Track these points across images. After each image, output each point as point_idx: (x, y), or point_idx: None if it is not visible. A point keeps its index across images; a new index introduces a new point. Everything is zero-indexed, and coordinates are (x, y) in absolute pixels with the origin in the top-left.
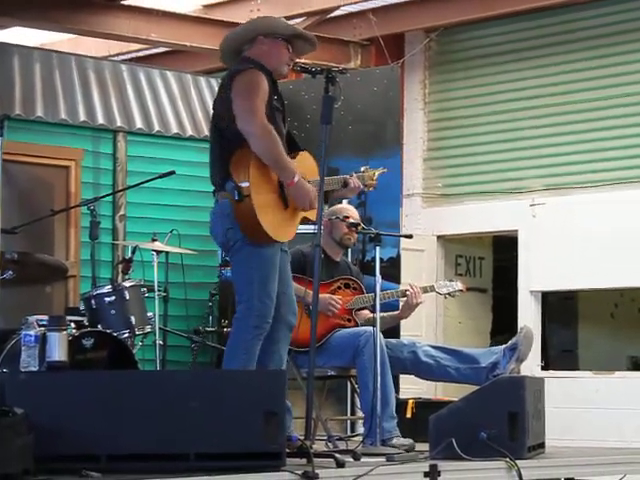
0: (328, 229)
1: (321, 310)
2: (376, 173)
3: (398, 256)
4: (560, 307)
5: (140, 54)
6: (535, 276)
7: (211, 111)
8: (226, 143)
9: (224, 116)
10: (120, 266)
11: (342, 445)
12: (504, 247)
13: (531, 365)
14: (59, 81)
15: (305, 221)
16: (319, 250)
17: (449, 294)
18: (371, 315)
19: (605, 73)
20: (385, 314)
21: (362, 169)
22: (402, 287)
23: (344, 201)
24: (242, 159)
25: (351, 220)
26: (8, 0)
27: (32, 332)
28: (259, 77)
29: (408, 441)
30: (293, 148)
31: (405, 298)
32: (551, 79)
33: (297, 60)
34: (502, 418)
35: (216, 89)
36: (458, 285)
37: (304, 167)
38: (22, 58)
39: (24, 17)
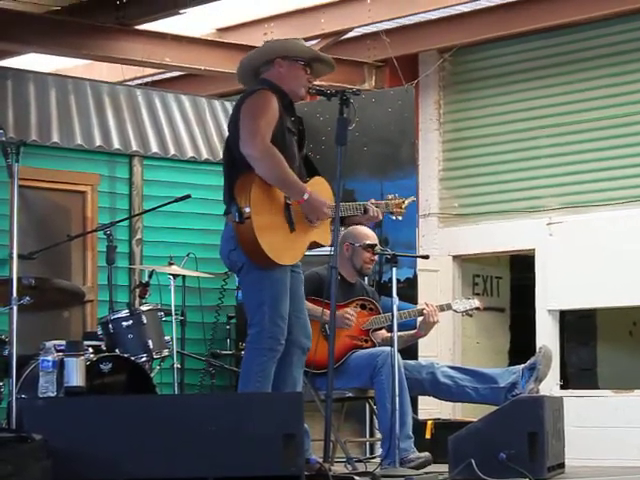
0: (349, 254)
1: (338, 326)
2: (406, 202)
3: (415, 276)
4: (578, 325)
5: (155, 78)
6: (553, 295)
7: (226, 134)
8: (234, 165)
9: (234, 138)
10: (137, 290)
11: (361, 467)
12: (521, 266)
13: (550, 384)
14: (74, 106)
15: (318, 246)
16: (335, 272)
17: (466, 312)
18: (388, 335)
19: (622, 91)
20: (403, 333)
21: (390, 196)
22: (419, 306)
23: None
24: (245, 181)
25: (368, 242)
26: (23, 27)
27: (50, 357)
28: (268, 98)
29: (425, 454)
30: (311, 172)
31: (422, 317)
32: (566, 97)
33: (313, 82)
34: (521, 438)
35: (231, 112)
36: (475, 303)
37: (319, 192)
38: (37, 84)
39: (39, 43)
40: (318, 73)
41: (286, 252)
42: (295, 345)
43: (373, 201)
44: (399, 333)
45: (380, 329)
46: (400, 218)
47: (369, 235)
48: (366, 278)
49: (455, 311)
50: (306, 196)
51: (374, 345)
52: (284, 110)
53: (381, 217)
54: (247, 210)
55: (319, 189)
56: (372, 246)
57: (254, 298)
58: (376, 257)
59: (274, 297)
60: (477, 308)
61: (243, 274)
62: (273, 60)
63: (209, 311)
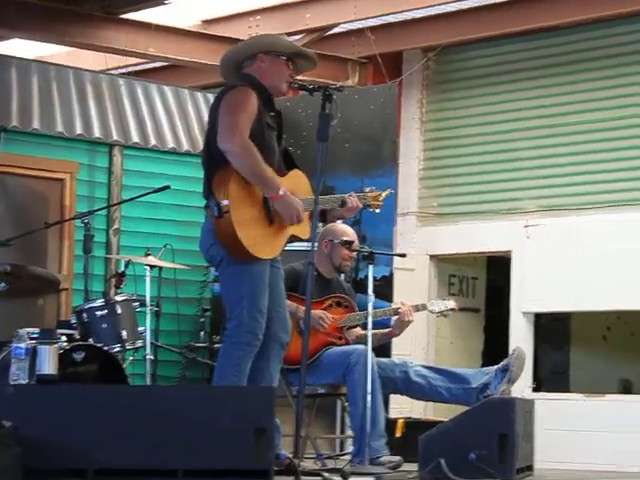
0: (327, 250)
1: (312, 325)
2: (383, 194)
3: (391, 275)
4: (552, 328)
5: (138, 68)
6: (528, 297)
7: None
8: (213, 160)
9: (212, 133)
10: (113, 280)
11: (331, 464)
12: (498, 267)
13: (522, 387)
14: (56, 94)
15: (297, 239)
16: (312, 268)
17: (441, 313)
18: (363, 332)
19: (602, 95)
20: (377, 331)
21: (367, 189)
22: (394, 305)
23: (339, 220)
24: (224, 176)
25: (346, 239)
26: (7, 12)
27: (23, 345)
28: (248, 94)
29: (396, 458)
30: (290, 166)
31: (397, 316)
32: (548, 100)
33: (295, 77)
34: (492, 439)
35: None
36: (450, 304)
37: (296, 185)
38: (20, 70)
39: (23, 29)
40: (300, 68)
41: (265, 246)
42: (273, 340)
43: (351, 194)
44: (373, 331)
45: (355, 327)
46: (378, 211)
47: (348, 232)
48: (343, 275)
49: (430, 312)
50: (281, 192)
51: (348, 343)
52: (263, 105)
53: (360, 206)
54: (225, 204)
55: (297, 182)
56: (351, 243)
57: (233, 292)
58: (354, 254)
59: (253, 291)
60: (452, 309)
61: (222, 268)
62: (255, 55)
63: (184, 303)
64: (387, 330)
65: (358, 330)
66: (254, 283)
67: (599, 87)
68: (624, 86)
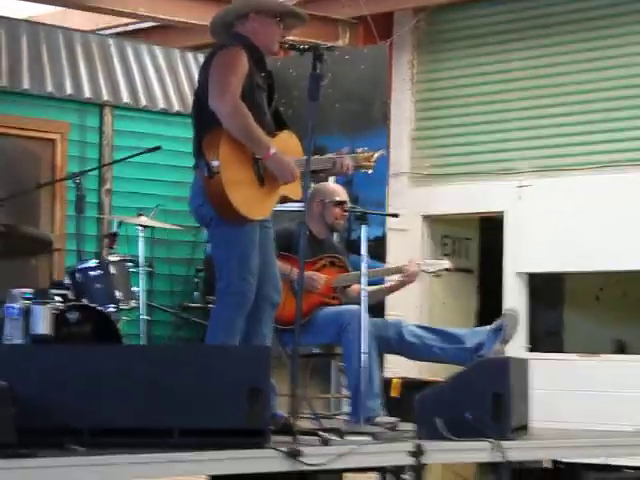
0: (319, 210)
1: (304, 287)
2: (375, 155)
3: (384, 235)
4: (546, 289)
5: (128, 28)
6: (521, 258)
7: None
8: (203, 119)
9: (203, 92)
10: (106, 240)
11: (327, 423)
12: (491, 228)
13: (516, 347)
14: (46, 54)
15: (288, 201)
16: (305, 228)
17: (435, 272)
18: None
19: (595, 56)
20: (377, 288)
21: (359, 150)
22: (399, 264)
23: (330, 179)
24: (214, 136)
25: (337, 199)
26: None
27: (16, 305)
28: (239, 55)
29: (392, 419)
30: (281, 126)
31: (403, 274)
32: (541, 60)
33: (285, 37)
34: (486, 399)
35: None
36: (445, 263)
37: (287, 146)
38: (9, 30)
39: None
40: (289, 27)
41: (256, 207)
42: (265, 300)
43: (343, 151)
44: (374, 288)
45: (348, 286)
46: (370, 172)
47: (339, 191)
48: (335, 235)
49: (424, 271)
50: (272, 151)
51: (341, 303)
52: (254, 66)
53: (351, 170)
54: (215, 164)
55: (288, 143)
56: (343, 202)
57: (223, 253)
58: (347, 213)
59: (243, 252)
60: (447, 269)
61: (212, 228)
62: (247, 15)
63: (177, 263)
64: (388, 285)
65: (357, 287)
66: (244, 243)
67: (592, 47)
68: (618, 47)
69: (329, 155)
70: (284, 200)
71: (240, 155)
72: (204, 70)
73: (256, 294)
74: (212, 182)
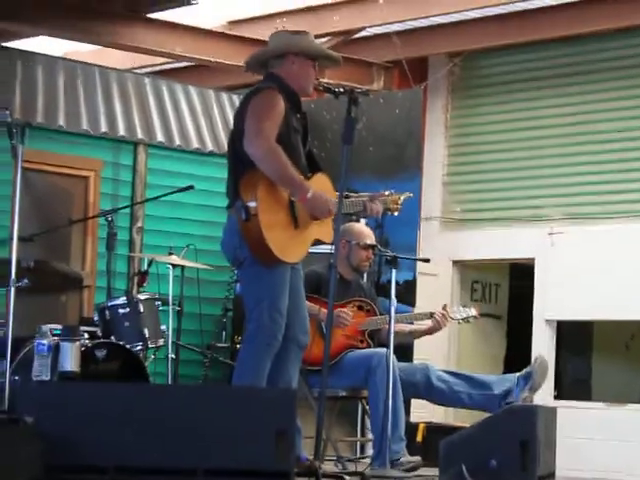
0: (345, 252)
1: (333, 326)
2: (401, 198)
3: (414, 279)
4: (575, 336)
5: (163, 67)
6: (551, 305)
7: (232, 127)
8: (239, 161)
9: (238, 134)
10: (136, 278)
11: (351, 467)
12: (521, 274)
13: (543, 394)
14: (82, 91)
15: (320, 243)
16: (335, 270)
17: (463, 320)
18: (407, 330)
19: (628, 105)
20: (415, 328)
21: (386, 193)
22: (417, 309)
23: (362, 221)
24: (252, 179)
25: (365, 242)
26: (35, 9)
27: (45, 341)
28: (275, 99)
29: (416, 458)
30: (314, 168)
31: (432, 320)
32: (573, 108)
33: (321, 80)
34: (513, 446)
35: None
36: (472, 311)
37: (320, 188)
38: (46, 67)
39: (50, 26)
40: (322, 68)
41: (291, 249)
42: (293, 342)
43: (373, 197)
44: (412, 327)
45: (378, 330)
46: (397, 214)
47: (366, 233)
48: (365, 276)
49: (452, 319)
50: (310, 194)
51: (369, 346)
52: (290, 108)
53: (381, 210)
54: (253, 205)
55: (321, 187)
56: (370, 246)
57: (254, 293)
58: (372, 256)
59: (274, 293)
60: (474, 317)
61: (244, 269)
62: (284, 56)
63: (207, 303)
64: (425, 327)
65: (403, 326)
66: (275, 285)
67: (625, 96)
68: None
69: (363, 195)
70: (316, 243)
71: (276, 197)
72: (240, 112)
73: (284, 335)
74: (249, 225)
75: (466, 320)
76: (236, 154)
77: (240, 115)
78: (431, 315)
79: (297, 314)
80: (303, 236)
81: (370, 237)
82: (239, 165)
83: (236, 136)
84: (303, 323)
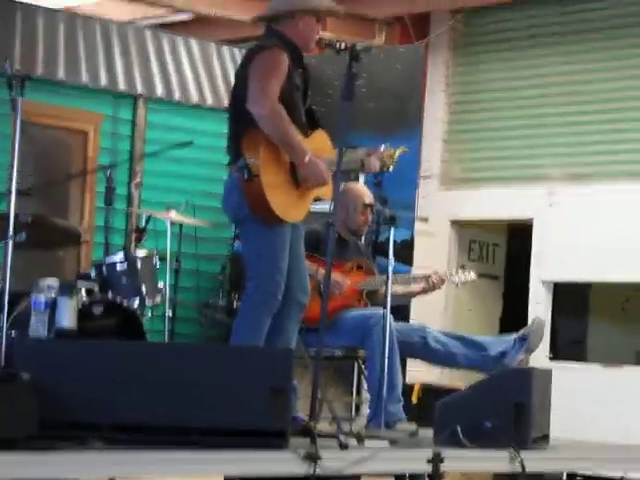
0: (343, 215)
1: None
2: (397, 152)
3: (412, 238)
4: (571, 298)
5: (164, 21)
6: (548, 266)
7: (232, 82)
8: (241, 119)
9: (241, 92)
10: (133, 235)
11: (347, 427)
12: (519, 235)
13: (539, 355)
14: (82, 44)
15: (318, 200)
16: (333, 230)
17: (462, 284)
18: (400, 292)
19: (630, 64)
20: (403, 291)
21: (382, 148)
22: (425, 272)
23: (361, 179)
24: (254, 138)
25: (367, 201)
26: None
27: (42, 298)
28: (280, 57)
29: (412, 425)
30: (312, 125)
31: (426, 284)
32: (575, 67)
33: (322, 35)
34: (508, 408)
35: (239, 59)
36: (472, 275)
37: (319, 146)
38: (46, 20)
39: None
40: (323, 19)
41: (292, 209)
42: (292, 300)
43: (368, 149)
44: (406, 289)
45: (375, 291)
46: (391, 168)
47: (365, 194)
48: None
49: (451, 282)
50: (307, 159)
51: (366, 305)
52: (293, 65)
53: (378, 168)
54: (254, 164)
55: (320, 143)
56: (369, 206)
57: (254, 252)
58: (371, 217)
59: (274, 252)
60: (473, 280)
61: (244, 227)
62: (292, 14)
63: (204, 260)
64: (419, 289)
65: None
66: (276, 244)
67: (629, 55)
68: None
69: (360, 150)
70: (317, 199)
71: (278, 157)
72: (243, 69)
73: (284, 294)
74: (251, 184)
75: (465, 284)
76: (237, 112)
77: (243, 73)
78: (427, 279)
79: (297, 273)
80: (304, 195)
81: (368, 196)
82: (241, 123)
83: (239, 93)
84: (303, 282)
